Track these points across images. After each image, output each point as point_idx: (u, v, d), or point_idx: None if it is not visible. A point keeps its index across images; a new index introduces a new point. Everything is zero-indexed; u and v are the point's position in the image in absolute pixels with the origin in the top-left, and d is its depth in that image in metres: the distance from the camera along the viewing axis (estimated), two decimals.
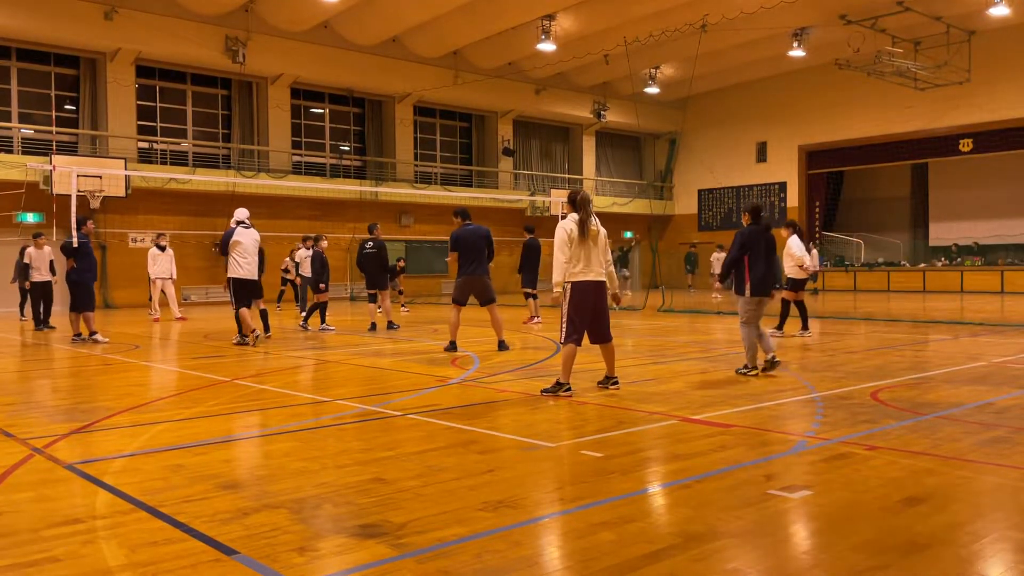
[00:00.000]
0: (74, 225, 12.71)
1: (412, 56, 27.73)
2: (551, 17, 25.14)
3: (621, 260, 31.29)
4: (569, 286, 6.83)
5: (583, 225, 6.76)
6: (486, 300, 10.44)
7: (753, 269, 8.08)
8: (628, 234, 35.66)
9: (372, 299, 14.35)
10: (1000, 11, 23.50)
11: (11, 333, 14.74)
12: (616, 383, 7.29)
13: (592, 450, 4.93)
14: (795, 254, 11.88)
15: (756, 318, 8.06)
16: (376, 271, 14.07)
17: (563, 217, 6.98)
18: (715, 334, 13.11)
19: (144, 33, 22.92)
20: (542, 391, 7.10)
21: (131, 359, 10.23)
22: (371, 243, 14.08)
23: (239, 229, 11.60)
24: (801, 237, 12.22)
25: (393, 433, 5.58)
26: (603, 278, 6.90)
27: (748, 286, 8.10)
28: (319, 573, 3.05)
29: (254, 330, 11.65)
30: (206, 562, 3.13)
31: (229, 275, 11.62)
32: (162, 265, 17.30)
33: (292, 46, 25.52)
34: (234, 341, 11.80)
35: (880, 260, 31.54)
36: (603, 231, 6.98)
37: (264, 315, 12.74)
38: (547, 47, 25.83)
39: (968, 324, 14.31)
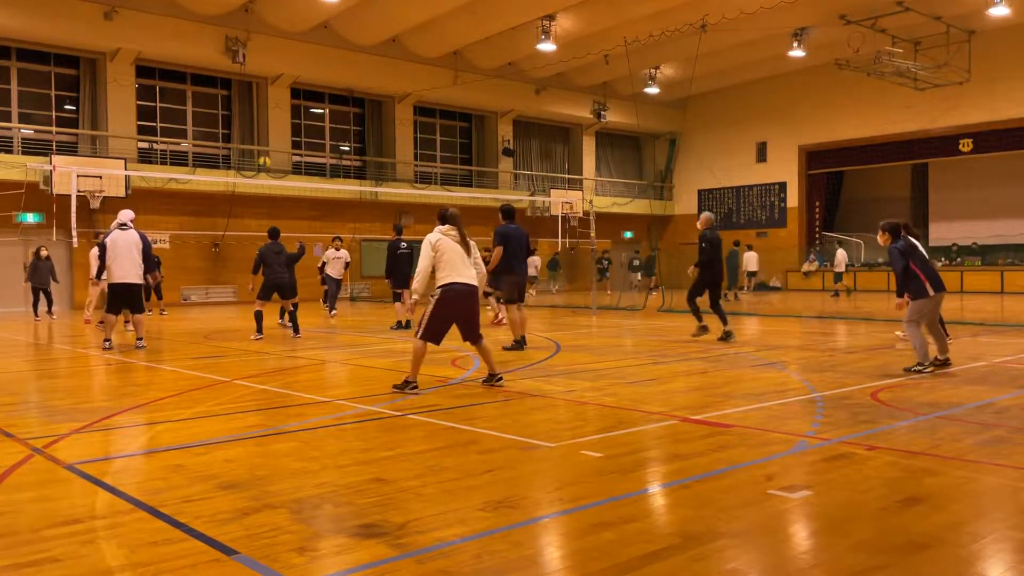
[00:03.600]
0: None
1: (412, 56, 27.72)
2: (551, 17, 25.13)
3: (647, 269, 30.62)
4: (439, 291, 7.09)
5: (456, 237, 7.17)
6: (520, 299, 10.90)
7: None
8: (628, 234, 35.67)
9: (397, 298, 14.67)
10: (1000, 11, 23.49)
11: (16, 334, 14.73)
12: (500, 380, 7.37)
13: (592, 450, 4.93)
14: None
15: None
16: (410, 272, 14.38)
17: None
18: (715, 334, 13.11)
19: (144, 33, 22.92)
20: (393, 387, 7.18)
21: (131, 359, 10.22)
22: (405, 244, 14.47)
23: (113, 232, 11.06)
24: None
25: (393, 433, 5.58)
26: (472, 282, 7.13)
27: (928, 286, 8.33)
28: (319, 573, 3.05)
29: (107, 339, 11.10)
30: (206, 562, 3.13)
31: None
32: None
33: (292, 46, 25.52)
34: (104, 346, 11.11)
35: (880, 260, 31.53)
36: (471, 242, 7.34)
37: (293, 315, 12.89)
38: (547, 47, 25.83)
39: (968, 324, 14.30)
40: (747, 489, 4.08)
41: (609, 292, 27.91)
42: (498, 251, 10.38)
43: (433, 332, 7.09)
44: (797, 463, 4.64)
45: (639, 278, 30.90)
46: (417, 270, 7.20)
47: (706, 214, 12.02)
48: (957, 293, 26.79)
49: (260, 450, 5.10)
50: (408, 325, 13.95)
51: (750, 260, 27.55)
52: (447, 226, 7.22)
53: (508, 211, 10.61)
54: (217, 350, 11.42)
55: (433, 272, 7.18)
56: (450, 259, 7.09)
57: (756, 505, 3.82)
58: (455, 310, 7.12)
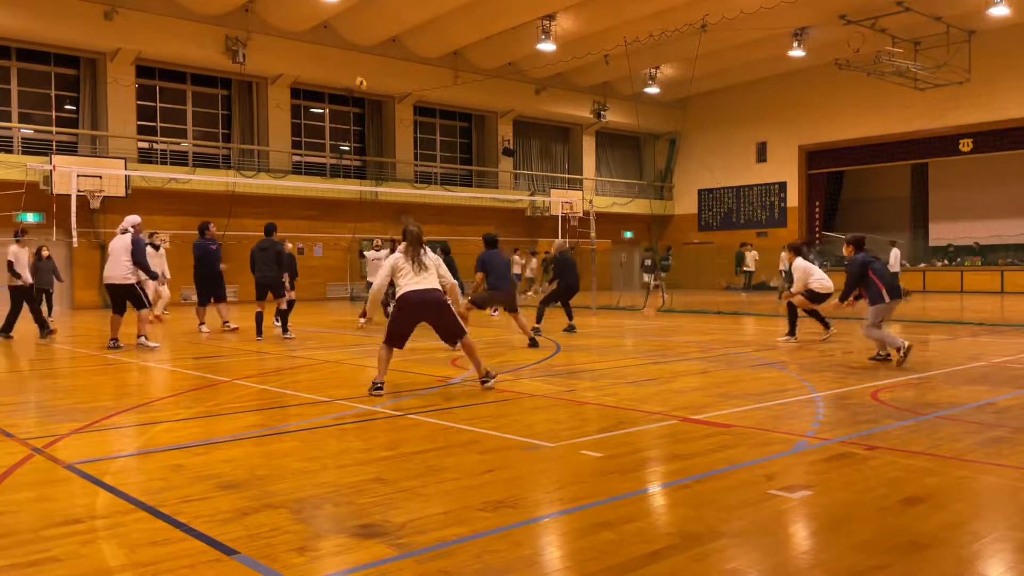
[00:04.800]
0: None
1: (412, 56, 27.73)
2: (551, 17, 25.14)
3: (663, 267, 30.12)
4: (398, 300, 7.32)
5: (409, 256, 7.40)
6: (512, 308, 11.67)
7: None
8: (628, 234, 35.67)
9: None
10: (1000, 11, 23.50)
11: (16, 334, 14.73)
12: (487, 380, 7.38)
13: (592, 450, 4.93)
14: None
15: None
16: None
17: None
18: (715, 334, 13.11)
19: (144, 33, 22.92)
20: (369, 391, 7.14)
21: (131, 359, 10.22)
22: (439, 249, 15.39)
23: (115, 237, 11.52)
24: (805, 257, 12.51)
25: (393, 433, 5.58)
26: (426, 286, 7.28)
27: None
28: (319, 573, 3.05)
29: (113, 338, 11.28)
30: (206, 562, 3.13)
31: None
32: (156, 265, 16.98)
33: (292, 46, 25.52)
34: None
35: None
36: (432, 256, 7.53)
37: (283, 314, 12.90)
38: (547, 47, 25.83)
39: (968, 324, 14.31)
40: (747, 489, 4.08)
41: (664, 294, 27.57)
42: (480, 276, 11.40)
43: (391, 336, 7.29)
44: (797, 463, 4.64)
45: (650, 278, 30.29)
46: (376, 283, 7.59)
47: (558, 241, 14.58)
48: (957, 293, 26.80)
49: (260, 450, 5.10)
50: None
51: (750, 260, 27.63)
52: (404, 244, 7.48)
53: (490, 240, 11.60)
54: (217, 350, 11.42)
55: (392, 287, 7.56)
56: (405, 273, 7.33)
57: (756, 505, 3.82)
58: (412, 316, 7.32)
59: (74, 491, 4.19)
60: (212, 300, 14.26)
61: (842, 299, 9.35)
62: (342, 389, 7.67)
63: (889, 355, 9.01)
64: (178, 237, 24.16)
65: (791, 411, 6.25)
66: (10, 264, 15.55)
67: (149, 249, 16.84)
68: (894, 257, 24.26)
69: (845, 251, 9.42)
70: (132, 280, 11.15)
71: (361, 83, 16.89)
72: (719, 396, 6.93)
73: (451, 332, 7.41)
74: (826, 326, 12.02)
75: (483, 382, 7.37)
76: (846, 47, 23.68)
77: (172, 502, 3.89)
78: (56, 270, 17.22)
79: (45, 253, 17.03)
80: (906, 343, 8.67)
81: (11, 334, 13.32)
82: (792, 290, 11.96)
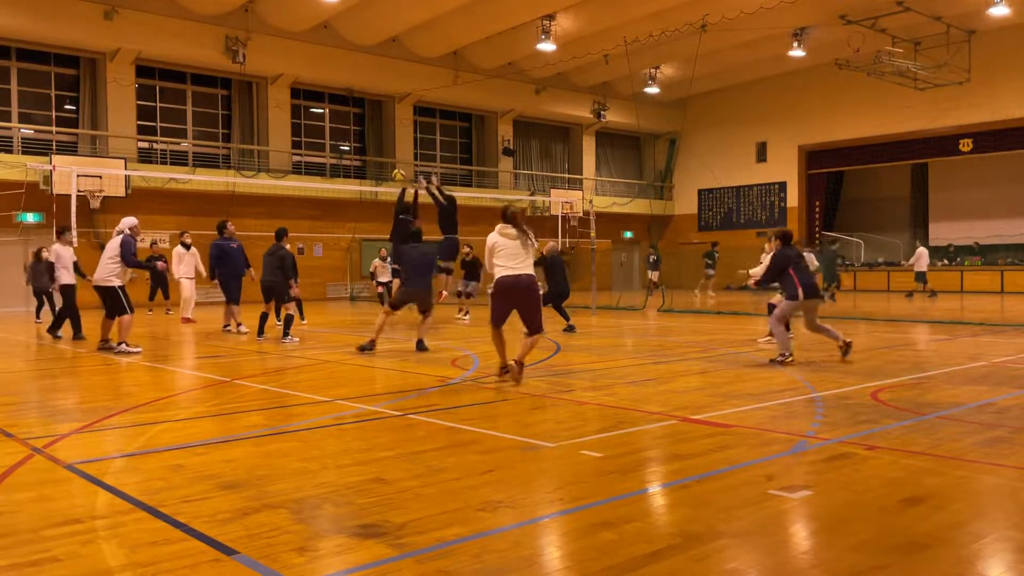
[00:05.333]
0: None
1: (412, 56, 27.73)
2: (551, 17, 25.14)
3: (709, 263, 27.95)
4: (494, 282, 7.66)
5: (512, 234, 7.64)
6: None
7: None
8: (628, 234, 35.67)
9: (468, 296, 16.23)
10: (1000, 11, 23.51)
11: (17, 334, 14.73)
12: (505, 372, 7.68)
13: (592, 450, 4.93)
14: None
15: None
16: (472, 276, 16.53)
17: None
18: (715, 334, 13.11)
19: (144, 33, 22.92)
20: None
21: (131, 359, 10.22)
22: (468, 248, 15.86)
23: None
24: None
25: (393, 433, 5.58)
26: (520, 271, 7.53)
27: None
28: (319, 573, 3.05)
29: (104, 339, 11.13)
30: (206, 562, 3.13)
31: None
32: (188, 264, 16.44)
33: (292, 46, 25.53)
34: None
35: (880, 260, 31.56)
36: (530, 235, 7.73)
37: (287, 318, 12.69)
38: (547, 47, 25.83)
39: (968, 324, 14.31)
40: (747, 489, 4.08)
41: (711, 292, 27.14)
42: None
43: (492, 316, 7.69)
44: (797, 463, 4.65)
45: (655, 276, 29.09)
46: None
47: (550, 244, 14.35)
48: (957, 293, 26.79)
49: (260, 450, 5.10)
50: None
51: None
52: (504, 224, 7.64)
53: (415, 234, 11.10)
54: (217, 350, 11.42)
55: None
56: (502, 255, 7.56)
57: (756, 505, 3.82)
58: (506, 298, 7.60)
59: (74, 491, 4.19)
60: (226, 301, 14.07)
61: (758, 283, 9.68)
62: (342, 389, 7.67)
63: (849, 344, 9.28)
64: (177, 237, 24.16)
65: (791, 411, 6.25)
66: (52, 265, 15.51)
67: (180, 248, 16.64)
68: (918, 256, 23.84)
69: (768, 246, 9.55)
70: (115, 283, 10.80)
71: (398, 174, 17.05)
72: (719, 396, 6.93)
73: (534, 323, 7.61)
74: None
75: (502, 371, 7.72)
76: (846, 47, 23.69)
77: (172, 502, 3.89)
78: (52, 271, 17.16)
79: (44, 255, 16.99)
80: (790, 354, 8.88)
81: (59, 333, 13.02)
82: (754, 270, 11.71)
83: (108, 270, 10.80)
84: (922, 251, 23.98)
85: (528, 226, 7.73)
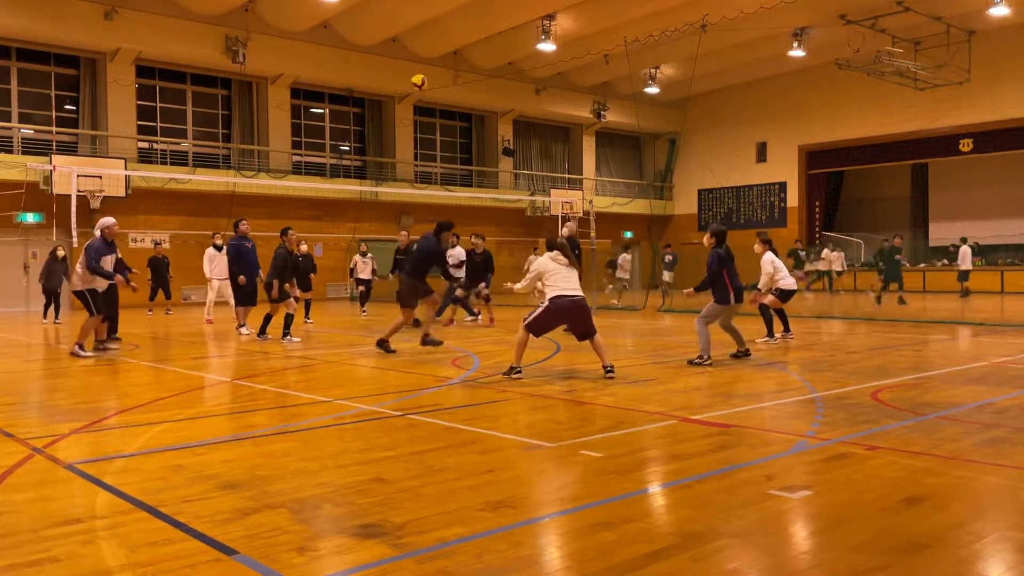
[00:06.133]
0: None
1: (412, 56, 27.74)
2: (551, 17, 25.15)
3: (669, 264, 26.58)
4: (548, 300, 8.17)
5: (564, 262, 8.30)
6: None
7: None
8: (628, 234, 35.67)
9: (487, 299, 15.56)
10: (1000, 11, 23.51)
11: (17, 334, 14.72)
12: (610, 371, 8.06)
13: (592, 450, 4.93)
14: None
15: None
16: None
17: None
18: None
19: (144, 33, 22.93)
20: (502, 374, 8.07)
21: (131, 359, 10.23)
22: (478, 239, 15.54)
23: None
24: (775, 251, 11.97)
25: (393, 433, 5.58)
26: (574, 293, 8.18)
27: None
28: (319, 573, 3.04)
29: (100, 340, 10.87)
30: (206, 562, 3.13)
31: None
32: (220, 265, 15.87)
33: (292, 46, 25.53)
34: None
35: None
36: (576, 263, 8.44)
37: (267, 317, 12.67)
38: (547, 47, 25.83)
39: (968, 324, 14.31)
40: (747, 489, 4.08)
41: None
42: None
43: (538, 327, 8.20)
44: (797, 463, 4.64)
45: (670, 277, 27.00)
46: (527, 279, 8.51)
47: (569, 224, 14.35)
48: (957, 293, 26.78)
49: (260, 450, 5.10)
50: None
51: (623, 262, 26.62)
52: (555, 252, 8.29)
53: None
54: (217, 350, 11.42)
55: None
56: (555, 278, 8.17)
57: (756, 505, 3.82)
58: (562, 316, 8.22)
59: (74, 491, 4.19)
60: (236, 301, 13.81)
61: (697, 289, 9.58)
62: (342, 389, 7.68)
63: (748, 351, 9.48)
64: (177, 237, 24.19)
65: (791, 411, 6.25)
66: (67, 264, 15.35)
67: (211, 250, 16.31)
68: (963, 255, 22.99)
69: (706, 241, 9.52)
70: (80, 287, 10.33)
71: (422, 83, 16.34)
72: (719, 396, 6.93)
73: (586, 333, 8.19)
74: (787, 328, 11.72)
75: (607, 373, 7.99)
76: (846, 47, 23.69)
77: (172, 502, 3.89)
78: (68, 271, 17.12)
79: (60, 254, 16.96)
80: (709, 359, 8.95)
81: (117, 335, 12.29)
82: (761, 288, 11.46)
83: (77, 275, 10.45)
84: (966, 250, 23.23)
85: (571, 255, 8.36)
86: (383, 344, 10.29)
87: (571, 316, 8.26)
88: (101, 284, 10.54)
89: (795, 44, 27.02)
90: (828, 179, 33.99)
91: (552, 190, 31.66)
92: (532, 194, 31.75)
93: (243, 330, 13.51)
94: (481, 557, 3.16)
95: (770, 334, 11.36)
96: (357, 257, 19.26)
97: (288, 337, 12.09)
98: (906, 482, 4.20)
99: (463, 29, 26.10)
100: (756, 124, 33.68)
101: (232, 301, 14.65)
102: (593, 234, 20.21)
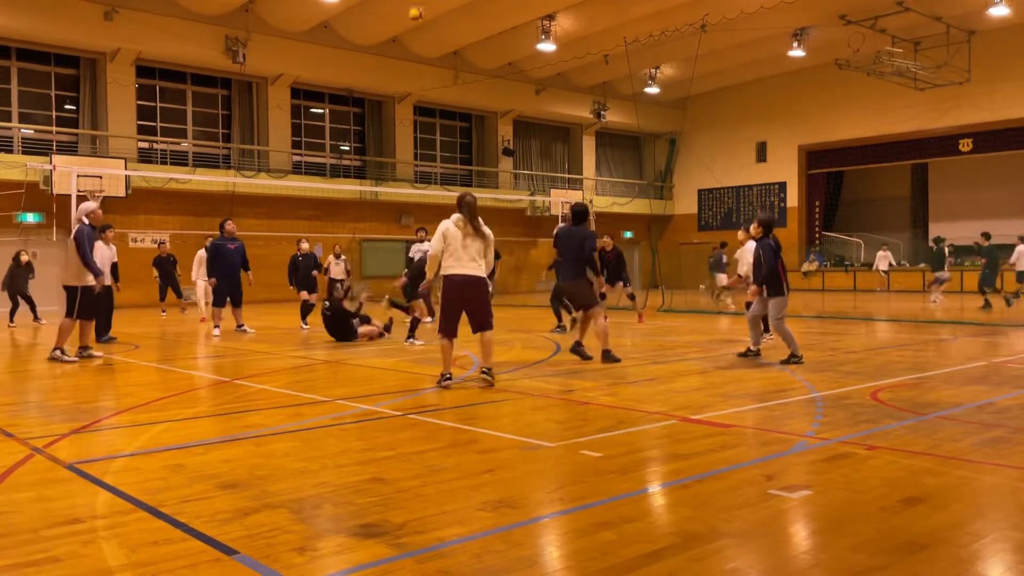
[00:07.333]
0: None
1: (412, 56, 27.74)
2: (551, 17, 25.14)
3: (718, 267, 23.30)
4: (442, 280, 7.29)
5: (463, 228, 7.27)
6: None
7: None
8: (628, 234, 35.68)
9: (631, 297, 15.62)
10: (1000, 11, 23.51)
11: (16, 334, 14.72)
12: (488, 374, 7.45)
13: (592, 450, 4.93)
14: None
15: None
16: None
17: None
18: (715, 334, 13.11)
19: (144, 33, 22.93)
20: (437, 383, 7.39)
21: (131, 359, 10.22)
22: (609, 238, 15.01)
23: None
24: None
25: (393, 433, 5.58)
26: (471, 272, 7.23)
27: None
28: (319, 573, 3.05)
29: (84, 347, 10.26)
30: (206, 562, 3.13)
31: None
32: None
33: (292, 46, 25.53)
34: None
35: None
36: (485, 231, 7.39)
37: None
38: (547, 47, 25.83)
39: (968, 324, 14.31)
40: (747, 489, 4.08)
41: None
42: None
43: (442, 322, 7.34)
44: (797, 463, 4.64)
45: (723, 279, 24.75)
46: (428, 255, 7.46)
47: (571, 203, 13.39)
48: (957, 293, 26.79)
49: (260, 450, 5.10)
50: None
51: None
52: (458, 215, 7.32)
53: (577, 214, 9.61)
54: (217, 350, 11.42)
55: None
56: (454, 249, 7.22)
57: (756, 505, 3.82)
58: (456, 299, 7.29)
59: (74, 491, 4.19)
60: (228, 301, 13.85)
61: (760, 283, 9.21)
62: (342, 389, 7.68)
63: (759, 352, 9.43)
64: (178, 237, 24.16)
65: (791, 411, 6.25)
66: (31, 268, 15.18)
67: (203, 253, 16.34)
68: (1018, 255, 21.75)
69: (752, 230, 9.51)
70: (74, 282, 9.81)
71: (419, 13, 15.67)
72: (719, 396, 6.93)
73: (482, 324, 7.36)
74: (766, 329, 10.97)
75: (483, 373, 7.48)
76: (846, 47, 23.69)
77: (172, 502, 3.89)
78: (32, 275, 17.00)
79: (24, 259, 16.80)
80: (799, 357, 8.92)
81: (112, 335, 12.28)
82: (741, 276, 11.05)
83: (70, 270, 9.82)
84: (1022, 249, 21.22)
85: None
86: (607, 356, 9.18)
87: (464, 299, 7.21)
88: (90, 281, 9.94)
89: (795, 44, 27.03)
90: (828, 179, 33.99)
91: (552, 190, 31.65)
92: (532, 194, 31.75)
93: (215, 331, 13.41)
94: (481, 557, 3.16)
95: (767, 330, 11.28)
96: (331, 258, 19.36)
97: (411, 340, 11.37)
98: (906, 482, 4.20)
99: (463, 29, 26.10)
100: (756, 124, 33.68)
101: (208, 301, 14.87)
102: None
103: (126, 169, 21.85)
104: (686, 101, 33.43)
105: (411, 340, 11.39)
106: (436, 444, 5.15)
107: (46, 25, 21.81)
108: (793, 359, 8.88)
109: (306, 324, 15.09)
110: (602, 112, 33.48)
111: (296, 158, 27.27)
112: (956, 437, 5.21)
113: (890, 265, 27.68)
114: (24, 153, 22.06)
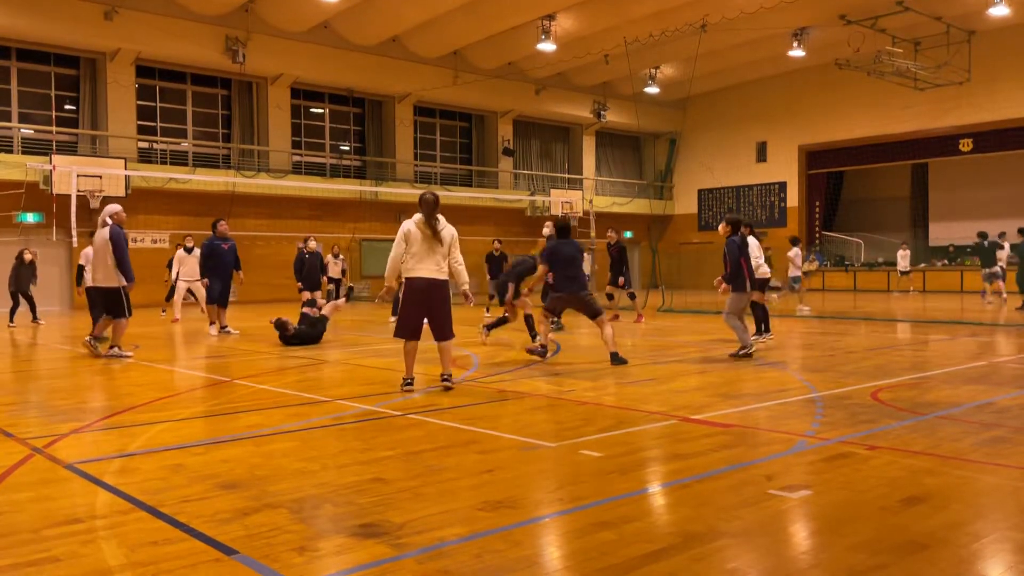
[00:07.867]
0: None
1: (412, 56, 27.73)
2: (551, 17, 25.14)
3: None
4: (404, 283, 7.10)
5: (424, 229, 7.02)
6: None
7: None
8: (628, 234, 35.68)
9: (632, 296, 15.64)
10: (1000, 11, 23.50)
11: (16, 334, 14.73)
12: (448, 380, 7.30)
13: (592, 450, 4.93)
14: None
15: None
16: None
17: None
18: (715, 334, 13.11)
19: (144, 33, 22.93)
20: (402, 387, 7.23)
21: (131, 359, 10.22)
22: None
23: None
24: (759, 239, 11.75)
25: (393, 433, 5.58)
26: (434, 276, 7.03)
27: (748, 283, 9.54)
28: (319, 573, 3.05)
29: (99, 338, 10.47)
30: (206, 562, 3.13)
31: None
32: (189, 267, 16.17)
33: (292, 46, 25.53)
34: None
35: (880, 260, 31.54)
36: (449, 230, 7.14)
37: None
38: (547, 47, 25.83)
39: (968, 324, 14.31)
40: (747, 489, 4.08)
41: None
42: (542, 269, 9.56)
43: (402, 325, 7.13)
44: (797, 463, 4.64)
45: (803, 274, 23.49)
46: (388, 266, 7.25)
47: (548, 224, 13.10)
48: (957, 293, 26.80)
49: (260, 450, 5.10)
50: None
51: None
52: (418, 215, 7.09)
53: (562, 228, 9.69)
54: (217, 350, 11.42)
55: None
56: (416, 251, 7.04)
57: (756, 505, 3.82)
58: (419, 303, 7.10)
59: (74, 491, 4.19)
60: (208, 299, 14.03)
61: (725, 280, 9.55)
62: (342, 389, 7.68)
63: (751, 353, 9.42)
64: (177, 237, 24.14)
65: (791, 411, 6.25)
66: (34, 267, 15.22)
67: (182, 252, 16.44)
68: None
69: (721, 229, 9.69)
70: (117, 284, 10.09)
71: None
72: (719, 396, 6.93)
73: (442, 333, 7.18)
74: (767, 328, 11.21)
75: (443, 379, 7.31)
76: (846, 47, 23.67)
77: (172, 502, 3.89)
78: (35, 275, 16.99)
79: (27, 258, 16.81)
80: (750, 348, 9.16)
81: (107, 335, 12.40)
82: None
83: (111, 268, 10.03)
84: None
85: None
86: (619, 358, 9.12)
87: (427, 304, 7.04)
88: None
89: (795, 44, 27.03)
90: (828, 179, 33.98)
91: (552, 190, 31.65)
92: (532, 194, 31.75)
93: (212, 329, 13.45)
94: (481, 557, 3.16)
95: (767, 330, 11.30)
96: (329, 257, 19.54)
97: (537, 341, 10.38)
98: (906, 482, 4.20)
99: (463, 29, 26.10)
100: (756, 124, 33.68)
101: (202, 300, 14.90)
102: (593, 234, 20.22)
103: (126, 169, 21.86)
104: (686, 101, 33.43)
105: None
106: (436, 444, 5.15)
107: (46, 25, 21.81)
108: (743, 351, 9.22)
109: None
110: (602, 112, 33.47)
111: (296, 158, 27.27)
112: (956, 437, 5.21)
113: (908, 266, 27.62)
114: (24, 153, 22.06)
